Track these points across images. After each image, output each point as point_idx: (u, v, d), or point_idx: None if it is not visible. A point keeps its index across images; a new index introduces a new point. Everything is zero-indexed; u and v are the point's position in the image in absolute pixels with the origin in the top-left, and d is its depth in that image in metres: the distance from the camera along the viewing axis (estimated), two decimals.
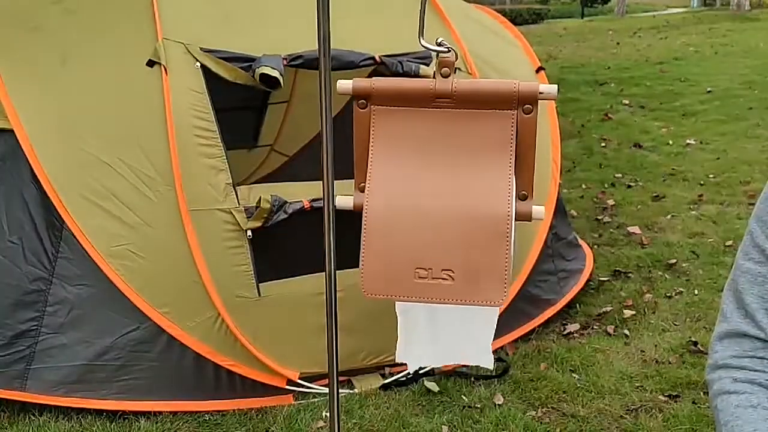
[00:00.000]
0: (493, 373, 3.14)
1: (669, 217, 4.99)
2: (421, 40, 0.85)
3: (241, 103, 4.42)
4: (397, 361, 0.89)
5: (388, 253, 0.81)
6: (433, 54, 0.84)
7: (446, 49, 0.83)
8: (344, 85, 0.86)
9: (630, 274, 4.12)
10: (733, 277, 1.16)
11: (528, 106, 0.81)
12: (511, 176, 0.80)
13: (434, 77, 0.84)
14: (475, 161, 0.81)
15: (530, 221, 0.84)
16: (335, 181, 1.19)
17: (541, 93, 0.81)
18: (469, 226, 0.78)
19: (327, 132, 0.97)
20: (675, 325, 3.59)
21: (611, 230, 4.85)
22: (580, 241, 4.16)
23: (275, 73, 2.84)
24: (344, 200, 0.86)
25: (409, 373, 3.12)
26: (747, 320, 1.14)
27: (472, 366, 3.23)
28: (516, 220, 0.83)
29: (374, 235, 0.82)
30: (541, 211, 0.83)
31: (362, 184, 0.86)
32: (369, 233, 0.82)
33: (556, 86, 0.80)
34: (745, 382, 1.11)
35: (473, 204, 0.79)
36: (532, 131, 0.82)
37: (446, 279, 0.79)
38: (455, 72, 0.85)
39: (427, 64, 3.15)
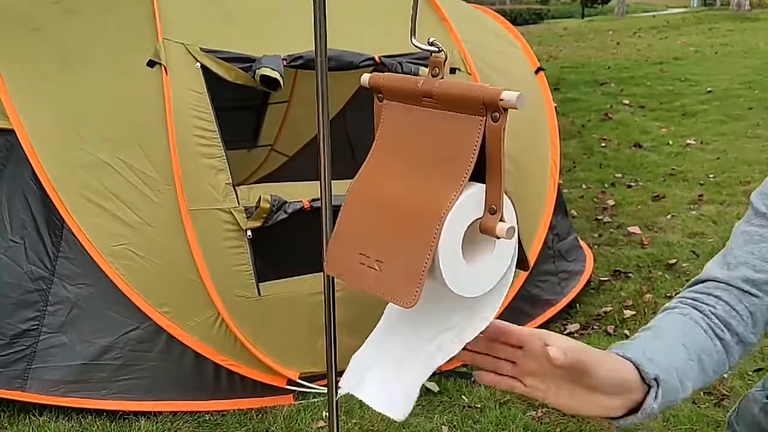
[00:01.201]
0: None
1: (669, 217, 4.99)
2: (413, 39, 0.86)
3: (241, 103, 4.43)
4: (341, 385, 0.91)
5: (347, 235, 0.84)
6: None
7: (437, 49, 0.83)
8: (364, 77, 0.91)
9: (630, 274, 4.12)
10: (728, 244, 1.17)
11: (495, 113, 0.78)
12: (463, 181, 0.79)
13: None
14: (438, 162, 0.82)
15: (495, 237, 0.82)
16: (333, 182, 1.19)
17: (501, 100, 0.77)
18: (406, 223, 0.80)
19: (323, 132, 0.99)
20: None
21: (611, 230, 4.85)
22: (580, 241, 4.16)
23: (275, 75, 2.84)
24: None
25: None
26: (722, 267, 1.13)
27: (471, 365, 3.23)
28: (482, 233, 0.82)
29: (343, 219, 0.86)
30: (504, 228, 0.79)
31: None
32: (341, 214, 0.86)
33: (518, 93, 0.76)
34: (688, 304, 1.10)
35: (417, 202, 0.80)
36: (498, 140, 0.78)
37: (375, 269, 0.81)
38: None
39: (427, 66, 3.14)
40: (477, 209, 0.81)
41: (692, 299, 1.11)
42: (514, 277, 0.87)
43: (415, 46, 0.86)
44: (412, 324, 0.91)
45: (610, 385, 0.90)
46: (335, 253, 0.85)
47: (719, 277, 1.12)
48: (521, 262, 0.88)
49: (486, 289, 0.85)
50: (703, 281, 1.14)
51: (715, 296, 1.10)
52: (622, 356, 0.93)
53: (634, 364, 0.92)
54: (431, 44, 0.84)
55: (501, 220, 0.81)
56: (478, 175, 0.81)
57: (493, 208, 0.81)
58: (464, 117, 0.81)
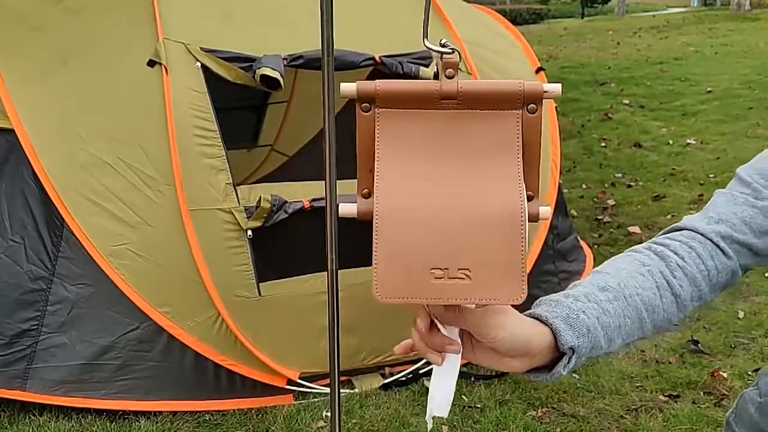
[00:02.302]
0: (493, 374, 3.14)
1: (669, 216, 4.99)
2: (425, 41, 0.85)
3: (241, 103, 4.43)
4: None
5: (402, 256, 0.79)
6: (436, 55, 0.84)
7: (450, 50, 0.83)
8: (348, 87, 0.83)
9: None
10: (707, 205, 1.18)
11: (532, 105, 0.81)
12: (520, 174, 0.80)
13: (438, 78, 0.84)
14: (483, 161, 0.81)
15: (537, 222, 0.84)
16: (337, 181, 1.19)
17: (545, 92, 0.80)
18: (483, 225, 0.78)
19: (330, 132, 0.97)
20: (674, 325, 3.59)
21: (611, 230, 4.85)
22: (580, 241, 4.16)
23: (276, 75, 2.84)
24: (348, 208, 0.85)
25: (409, 373, 3.12)
26: (703, 220, 1.13)
27: (472, 366, 3.23)
28: None
29: (386, 240, 0.79)
30: (547, 211, 0.83)
31: (365, 190, 0.85)
32: (380, 238, 0.79)
33: (559, 85, 0.81)
34: (657, 252, 1.09)
35: (485, 203, 0.79)
36: (537, 131, 0.81)
37: (463, 278, 0.78)
38: (449, 72, 0.85)
39: (427, 65, 3.15)
40: None
41: (664, 246, 1.10)
42: None
43: (427, 47, 0.85)
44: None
45: (511, 350, 0.89)
46: (390, 279, 0.79)
47: (698, 227, 1.11)
48: None
49: None
50: (680, 230, 1.13)
51: (690, 247, 1.09)
52: (543, 321, 0.93)
53: (553, 332, 0.92)
54: (443, 45, 0.83)
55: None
56: None
57: (530, 195, 0.82)
58: (497, 113, 0.82)
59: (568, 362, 0.93)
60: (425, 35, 0.86)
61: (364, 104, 0.84)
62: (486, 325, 0.86)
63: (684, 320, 1.03)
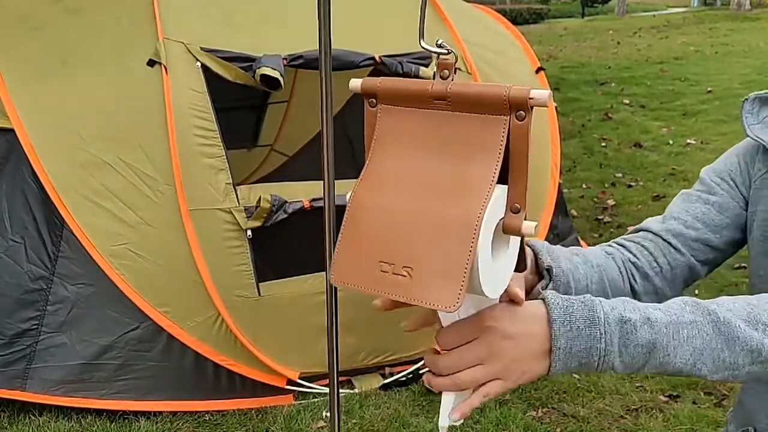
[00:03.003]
0: None
1: None
2: (422, 41, 0.85)
3: (241, 103, 4.43)
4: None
5: (360, 244, 0.81)
6: (434, 55, 0.83)
7: (446, 51, 0.82)
8: (354, 83, 0.87)
9: None
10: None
11: (521, 112, 0.78)
12: (492, 182, 0.78)
13: (434, 78, 0.84)
14: (461, 164, 0.80)
15: (521, 236, 0.82)
16: (335, 181, 1.19)
17: (531, 98, 0.77)
18: (438, 227, 0.78)
19: (327, 132, 0.97)
20: None
21: (611, 230, 4.85)
22: (581, 241, 4.15)
23: (276, 74, 2.84)
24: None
25: (409, 373, 3.12)
26: (658, 219, 1.20)
27: None
28: (506, 233, 0.82)
29: (351, 226, 0.82)
30: (531, 226, 0.80)
31: None
32: (347, 223, 0.82)
33: (547, 92, 0.77)
34: (615, 248, 1.16)
35: (447, 206, 0.78)
36: (524, 139, 0.78)
37: (405, 276, 0.78)
38: (455, 73, 0.84)
39: (427, 65, 3.15)
40: (501, 209, 0.81)
41: (620, 245, 1.17)
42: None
43: (423, 48, 0.85)
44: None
45: None
46: (344, 264, 0.81)
47: (652, 227, 1.18)
48: (519, 263, 0.88)
49: (503, 290, 0.85)
50: (637, 231, 1.20)
51: (643, 246, 1.15)
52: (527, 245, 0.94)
53: (534, 252, 0.94)
54: (439, 46, 0.83)
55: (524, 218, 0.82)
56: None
57: (516, 207, 0.81)
58: (484, 117, 0.80)
59: (545, 286, 0.96)
60: (421, 35, 0.86)
61: (370, 99, 0.86)
62: None
63: None
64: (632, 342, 0.83)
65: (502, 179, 0.81)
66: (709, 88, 9.00)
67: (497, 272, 0.82)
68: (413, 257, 0.78)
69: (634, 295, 1.11)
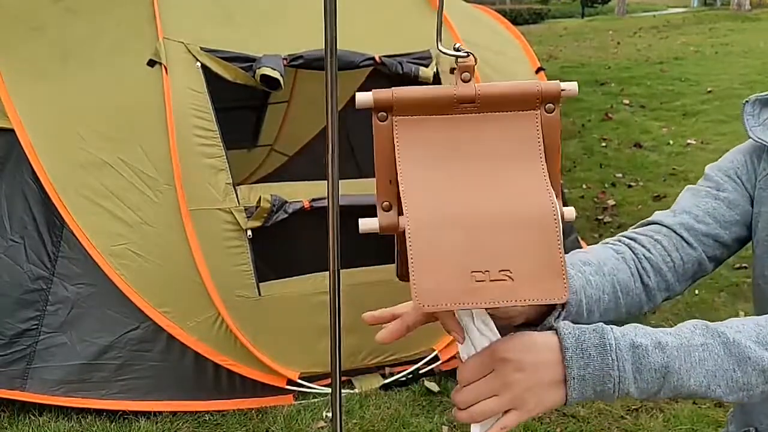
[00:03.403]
0: None
1: None
2: (439, 45, 0.85)
3: (241, 103, 4.42)
4: None
5: (441, 263, 0.77)
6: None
7: (465, 54, 0.82)
8: (364, 97, 0.81)
9: None
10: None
11: (550, 105, 0.81)
12: (545, 174, 0.80)
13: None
14: (506, 162, 0.81)
15: (565, 222, 0.84)
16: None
17: (563, 90, 0.81)
18: (518, 226, 0.77)
19: (332, 132, 0.96)
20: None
21: (612, 230, 4.84)
22: (581, 241, 4.15)
23: (276, 74, 2.84)
24: (369, 223, 0.82)
25: (409, 373, 3.12)
26: (669, 213, 1.20)
27: None
28: None
29: (419, 247, 0.77)
30: (572, 211, 0.83)
31: (386, 203, 0.83)
32: (414, 246, 0.77)
33: (575, 84, 0.81)
34: (626, 243, 1.15)
35: (516, 203, 0.78)
36: (556, 130, 0.82)
37: (505, 279, 0.77)
38: (453, 72, 0.85)
39: (427, 65, 3.14)
40: None
41: (631, 239, 1.16)
42: None
43: (441, 52, 0.85)
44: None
45: (515, 316, 0.91)
46: (429, 286, 0.77)
47: (664, 221, 1.18)
48: None
49: None
50: (649, 224, 1.19)
51: (655, 240, 1.15)
52: None
53: (553, 330, 0.93)
54: (457, 49, 0.83)
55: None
56: None
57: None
58: (515, 114, 0.82)
59: (558, 316, 0.95)
60: (438, 39, 0.86)
61: (380, 113, 0.82)
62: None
63: (653, 310, 1.10)
64: (645, 367, 0.83)
65: None
66: (709, 88, 9.00)
67: None
68: (507, 259, 0.77)
69: (647, 291, 1.11)
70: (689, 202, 1.21)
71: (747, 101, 1.24)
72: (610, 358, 0.83)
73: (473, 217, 0.79)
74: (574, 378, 0.83)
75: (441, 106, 0.82)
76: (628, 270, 1.10)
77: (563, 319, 0.96)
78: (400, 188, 0.80)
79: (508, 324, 0.93)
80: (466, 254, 0.77)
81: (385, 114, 0.82)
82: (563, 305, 0.95)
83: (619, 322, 0.90)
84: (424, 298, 0.76)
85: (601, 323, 0.88)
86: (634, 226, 1.22)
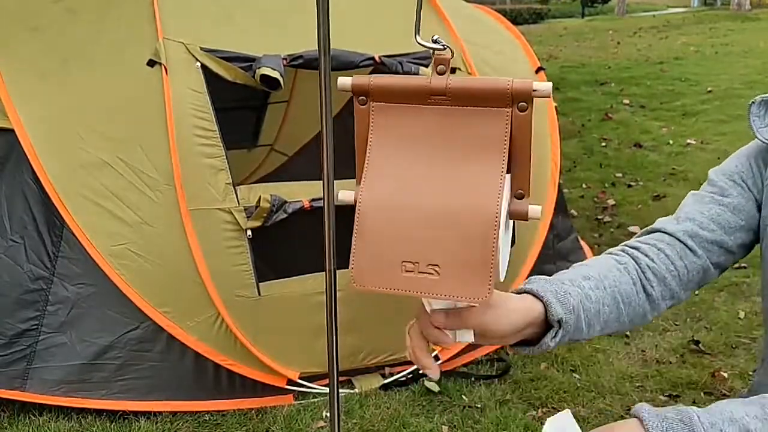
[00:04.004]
0: (494, 373, 3.14)
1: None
2: (418, 38, 0.85)
3: (241, 103, 4.43)
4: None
5: (378, 246, 0.81)
6: (431, 51, 0.84)
7: (442, 47, 0.83)
8: (344, 81, 0.86)
9: None
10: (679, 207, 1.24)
11: (523, 103, 0.80)
12: (502, 174, 0.80)
13: (431, 74, 0.84)
14: (468, 158, 0.81)
15: (527, 220, 0.84)
16: (335, 181, 1.19)
17: (534, 90, 0.80)
18: (457, 223, 0.79)
19: (327, 132, 0.97)
20: (675, 324, 3.59)
21: (611, 230, 4.85)
22: (581, 241, 4.15)
23: (276, 74, 2.84)
24: (346, 195, 0.87)
25: (409, 373, 3.12)
26: (672, 220, 1.19)
27: (472, 365, 3.23)
28: (511, 218, 0.84)
29: (365, 229, 0.82)
30: (538, 210, 0.83)
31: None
32: (360, 226, 0.82)
33: (550, 84, 0.80)
34: (629, 253, 1.15)
35: (462, 200, 0.79)
36: (527, 129, 0.81)
37: (432, 273, 0.79)
38: (453, 72, 0.85)
39: (427, 65, 3.14)
40: (507, 197, 0.83)
41: (635, 248, 1.15)
42: (513, 278, 0.88)
43: (419, 44, 0.85)
44: None
45: (507, 335, 0.92)
46: (364, 267, 0.82)
47: (667, 228, 1.17)
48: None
49: (504, 275, 0.86)
50: (652, 232, 1.19)
51: (659, 249, 1.14)
52: (535, 294, 0.95)
53: (545, 304, 0.94)
54: (435, 41, 0.83)
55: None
56: None
57: (520, 193, 0.83)
58: (486, 111, 0.81)
59: (555, 335, 0.95)
60: (417, 32, 0.87)
61: (360, 97, 0.86)
62: (486, 323, 0.88)
63: (658, 317, 1.09)
64: None
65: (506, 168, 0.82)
66: (709, 88, 9.00)
67: (504, 256, 0.84)
68: (437, 254, 0.79)
69: (650, 300, 1.10)
70: (693, 208, 1.19)
71: (753, 102, 1.23)
72: None
73: (418, 208, 0.81)
74: None
75: (414, 96, 0.84)
76: (631, 281, 1.09)
77: (561, 338, 0.96)
78: (364, 170, 0.84)
79: (501, 342, 0.93)
80: (402, 244, 0.80)
81: (364, 99, 0.86)
82: (560, 325, 0.95)
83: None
84: (359, 278, 0.82)
85: (685, 408, 0.85)
86: (637, 234, 1.21)
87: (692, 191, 1.24)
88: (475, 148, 0.81)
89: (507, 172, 0.81)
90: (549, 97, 0.80)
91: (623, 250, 1.16)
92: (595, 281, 1.05)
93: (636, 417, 0.85)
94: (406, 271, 0.80)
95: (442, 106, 0.83)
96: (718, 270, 1.18)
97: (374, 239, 0.81)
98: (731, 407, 0.85)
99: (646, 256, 1.13)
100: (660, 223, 1.20)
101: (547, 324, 0.96)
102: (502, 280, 0.83)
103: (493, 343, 0.93)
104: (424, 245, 0.79)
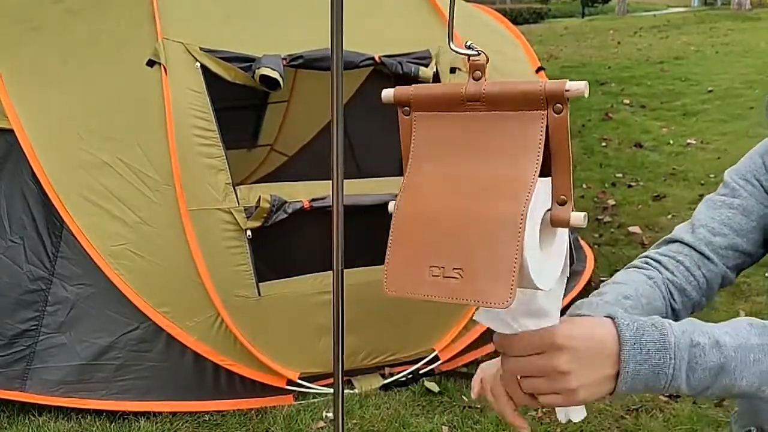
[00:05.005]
0: None
1: (670, 216, 4.98)
2: (451, 44, 0.86)
3: (241, 103, 4.43)
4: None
5: (410, 252, 0.81)
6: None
7: (476, 52, 0.83)
8: (387, 93, 0.88)
9: None
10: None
11: (558, 105, 0.80)
12: (534, 176, 0.79)
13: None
14: (503, 163, 0.81)
15: (568, 227, 0.83)
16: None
17: (567, 90, 0.79)
18: (483, 226, 0.78)
19: (337, 131, 0.98)
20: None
21: (612, 230, 4.84)
22: (581, 241, 4.15)
23: (275, 75, 2.84)
24: (392, 206, 0.87)
25: (409, 374, 3.12)
26: (688, 229, 1.19)
27: (472, 366, 3.23)
28: (554, 225, 0.83)
29: (397, 236, 0.82)
30: (580, 217, 0.82)
31: None
32: (394, 234, 0.83)
33: (584, 83, 0.79)
34: (653, 266, 1.15)
35: (491, 204, 0.79)
36: (564, 131, 0.80)
37: (456, 278, 0.79)
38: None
39: (426, 65, 3.14)
40: (547, 202, 0.82)
41: (657, 261, 1.16)
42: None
43: (453, 50, 0.86)
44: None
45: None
46: (396, 274, 0.82)
47: (685, 238, 1.18)
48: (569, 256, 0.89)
49: (554, 282, 0.85)
50: (670, 242, 1.20)
51: (678, 261, 1.15)
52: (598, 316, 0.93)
53: (611, 318, 0.92)
54: (469, 47, 0.84)
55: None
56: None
57: (562, 199, 0.82)
58: (521, 114, 0.81)
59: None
60: (450, 38, 0.88)
61: (404, 108, 0.87)
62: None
63: None
64: (700, 366, 0.84)
65: (546, 172, 0.81)
66: (709, 88, 8.99)
67: (548, 265, 0.83)
68: (462, 258, 0.79)
69: (675, 314, 1.10)
70: (706, 214, 1.20)
71: None
72: (668, 356, 0.83)
73: (450, 213, 0.81)
74: (628, 373, 0.83)
75: (451, 103, 0.85)
76: (661, 296, 1.10)
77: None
78: (404, 177, 0.85)
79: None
80: (431, 248, 0.80)
81: (408, 109, 0.87)
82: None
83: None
84: (391, 284, 0.82)
85: (659, 317, 0.87)
86: (655, 244, 1.22)
87: (707, 196, 1.24)
88: (511, 152, 0.81)
89: (543, 176, 0.80)
90: (584, 95, 0.79)
91: (647, 263, 1.17)
92: (633, 300, 1.05)
93: (609, 317, 0.86)
94: (433, 275, 0.79)
95: (477, 112, 0.83)
96: (736, 272, 1.19)
97: (406, 246, 0.82)
98: (705, 325, 0.88)
99: (667, 269, 1.14)
100: (677, 232, 1.20)
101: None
102: (545, 288, 0.82)
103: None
104: (451, 249, 0.79)
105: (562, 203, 0.82)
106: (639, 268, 1.16)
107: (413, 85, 0.88)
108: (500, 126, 0.82)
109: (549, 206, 0.82)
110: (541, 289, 0.82)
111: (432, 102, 0.86)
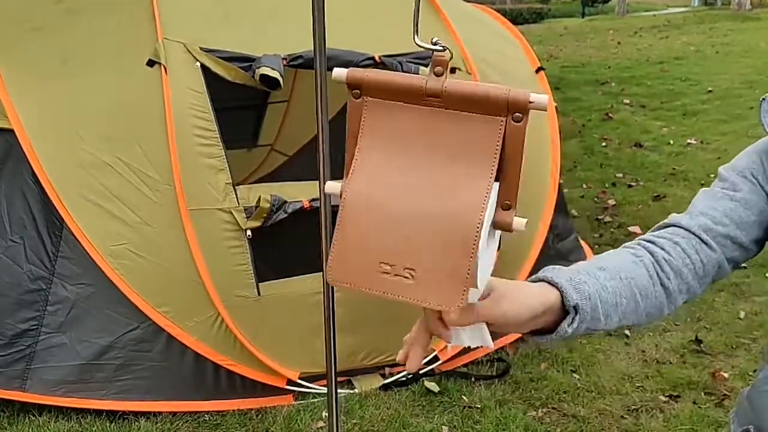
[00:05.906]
0: (494, 373, 3.14)
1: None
2: (416, 38, 0.85)
3: (241, 103, 4.42)
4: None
5: (358, 243, 0.80)
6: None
7: (441, 48, 0.82)
8: (339, 73, 0.85)
9: None
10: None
11: (518, 114, 0.79)
12: (490, 184, 0.79)
13: (428, 75, 0.84)
14: (457, 164, 0.80)
15: (511, 232, 0.83)
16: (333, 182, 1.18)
17: (530, 102, 0.78)
18: (438, 229, 0.78)
19: (323, 131, 0.97)
20: (675, 325, 3.59)
21: (612, 230, 4.84)
22: (581, 241, 4.15)
23: (275, 74, 2.84)
24: (333, 186, 0.86)
25: (409, 373, 3.12)
26: (685, 216, 1.19)
27: (471, 366, 3.23)
28: (496, 228, 0.83)
29: (347, 224, 0.81)
30: (522, 222, 0.82)
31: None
32: (342, 220, 0.81)
33: (547, 96, 0.79)
34: (645, 247, 1.16)
35: (446, 207, 0.78)
36: (520, 141, 0.80)
37: (407, 277, 0.79)
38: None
39: (427, 65, 3.13)
40: (493, 207, 0.82)
41: (650, 242, 1.16)
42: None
43: (418, 45, 0.84)
44: None
45: (522, 325, 0.93)
46: (342, 263, 0.81)
47: (682, 222, 1.17)
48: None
49: (487, 281, 0.86)
50: (666, 226, 1.19)
51: (674, 242, 1.15)
52: (549, 282, 0.96)
53: (560, 290, 0.95)
54: (434, 43, 0.83)
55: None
56: None
57: (507, 204, 0.82)
58: (480, 117, 0.80)
59: (572, 322, 0.96)
60: (416, 32, 0.86)
61: (354, 91, 0.85)
62: (504, 311, 0.89)
63: (673, 312, 1.09)
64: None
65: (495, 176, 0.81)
66: (709, 88, 8.99)
67: (486, 265, 0.83)
68: (415, 258, 0.78)
69: (667, 294, 1.10)
70: (705, 204, 1.19)
71: (765, 98, 1.23)
72: None
73: (402, 209, 0.80)
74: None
75: (409, 95, 0.83)
76: (647, 274, 1.10)
77: (578, 325, 0.96)
78: (351, 166, 0.83)
79: (518, 330, 0.94)
80: (381, 244, 0.80)
81: (358, 92, 0.85)
82: (576, 311, 0.96)
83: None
84: (336, 273, 0.81)
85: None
86: (651, 229, 1.21)
87: (703, 189, 1.24)
88: (466, 154, 0.80)
89: (495, 182, 0.80)
90: (545, 110, 0.78)
91: (639, 244, 1.17)
92: (610, 272, 1.05)
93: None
94: (383, 272, 0.79)
95: (436, 108, 0.82)
96: (731, 265, 1.18)
97: (355, 236, 0.81)
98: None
99: (663, 249, 1.14)
100: (673, 218, 1.20)
101: (563, 312, 0.97)
102: (480, 289, 0.83)
103: (510, 331, 0.94)
104: (403, 248, 0.79)
105: (507, 208, 0.81)
106: (627, 247, 1.16)
107: (369, 69, 0.85)
108: (458, 126, 0.81)
109: (494, 211, 0.82)
110: (478, 289, 0.82)
111: (388, 90, 0.83)
